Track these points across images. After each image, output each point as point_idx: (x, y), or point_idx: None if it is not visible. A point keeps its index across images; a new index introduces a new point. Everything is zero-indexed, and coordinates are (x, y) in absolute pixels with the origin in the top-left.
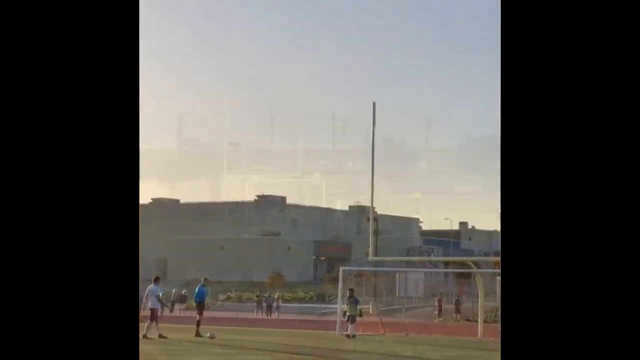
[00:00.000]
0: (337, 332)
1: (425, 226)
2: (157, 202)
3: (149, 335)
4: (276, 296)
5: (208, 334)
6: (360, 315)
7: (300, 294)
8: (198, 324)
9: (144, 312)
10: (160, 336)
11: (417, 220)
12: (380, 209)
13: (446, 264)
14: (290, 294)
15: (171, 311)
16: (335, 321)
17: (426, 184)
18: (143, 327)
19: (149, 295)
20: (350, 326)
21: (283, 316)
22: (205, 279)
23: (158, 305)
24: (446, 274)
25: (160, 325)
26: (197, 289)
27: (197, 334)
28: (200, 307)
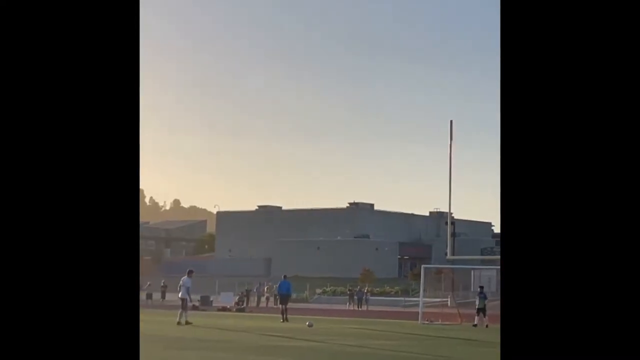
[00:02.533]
0: (419, 322)
1: (497, 229)
2: (263, 209)
3: (182, 322)
4: (365, 290)
5: (307, 323)
6: (485, 308)
7: (387, 289)
8: (283, 311)
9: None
10: (187, 322)
11: (489, 224)
12: (457, 214)
13: None
14: (378, 289)
15: (276, 304)
16: (418, 312)
17: (499, 192)
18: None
19: (181, 285)
20: (484, 318)
21: (372, 308)
22: (285, 275)
23: (187, 296)
24: None
25: (188, 312)
26: (279, 284)
27: (285, 320)
28: (283, 298)
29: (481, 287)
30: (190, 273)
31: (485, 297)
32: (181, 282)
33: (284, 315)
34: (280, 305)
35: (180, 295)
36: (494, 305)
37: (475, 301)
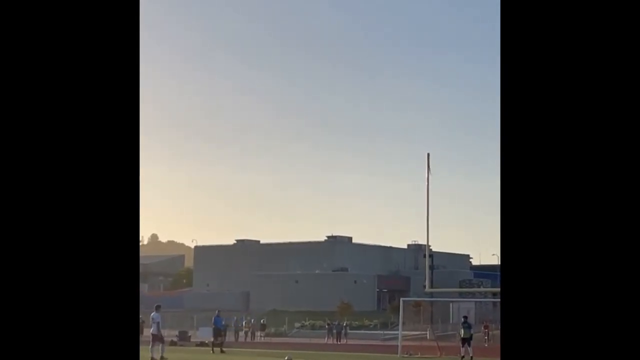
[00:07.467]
0: (398, 355)
1: (475, 261)
2: (240, 243)
3: (155, 357)
4: (344, 324)
5: (286, 357)
6: (471, 338)
7: (366, 322)
8: (215, 344)
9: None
10: (162, 358)
11: (467, 256)
12: (435, 247)
13: (494, 294)
14: (356, 322)
15: (253, 338)
16: (397, 345)
17: (476, 224)
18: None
19: (151, 322)
20: (469, 348)
21: (350, 341)
22: (219, 311)
23: (158, 331)
24: (494, 304)
25: (163, 347)
26: (214, 319)
27: (213, 350)
28: (216, 331)
29: (465, 317)
30: (158, 308)
31: (470, 327)
32: (151, 318)
33: (214, 348)
34: (218, 339)
35: (152, 331)
36: (474, 337)
37: (456, 332)
